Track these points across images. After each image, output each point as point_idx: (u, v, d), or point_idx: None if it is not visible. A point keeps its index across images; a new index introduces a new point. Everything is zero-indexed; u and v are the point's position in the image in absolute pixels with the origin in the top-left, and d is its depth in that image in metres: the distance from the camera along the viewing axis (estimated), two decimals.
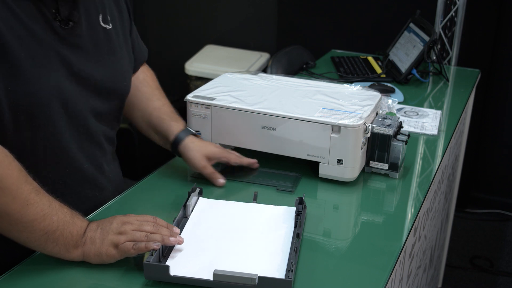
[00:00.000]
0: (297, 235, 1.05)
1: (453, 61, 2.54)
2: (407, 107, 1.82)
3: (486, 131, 3.01)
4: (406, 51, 2.14)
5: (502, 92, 2.93)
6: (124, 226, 0.98)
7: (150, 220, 1.00)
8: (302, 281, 0.97)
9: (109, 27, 1.16)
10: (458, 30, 2.50)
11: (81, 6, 1.09)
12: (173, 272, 0.94)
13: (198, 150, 1.28)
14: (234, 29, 3.40)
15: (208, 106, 1.35)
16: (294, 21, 3.25)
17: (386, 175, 1.36)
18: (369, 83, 1.98)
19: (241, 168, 1.35)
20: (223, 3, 3.39)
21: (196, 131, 1.35)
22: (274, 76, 1.53)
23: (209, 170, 1.28)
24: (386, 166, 1.34)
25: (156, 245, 0.95)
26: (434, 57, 2.24)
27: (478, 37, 2.83)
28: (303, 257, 1.04)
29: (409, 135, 1.35)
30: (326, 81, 1.56)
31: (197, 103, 1.36)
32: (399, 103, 1.84)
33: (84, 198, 1.16)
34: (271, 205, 1.19)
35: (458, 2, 2.46)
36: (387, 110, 1.50)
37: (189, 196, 1.16)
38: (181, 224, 1.11)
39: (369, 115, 1.30)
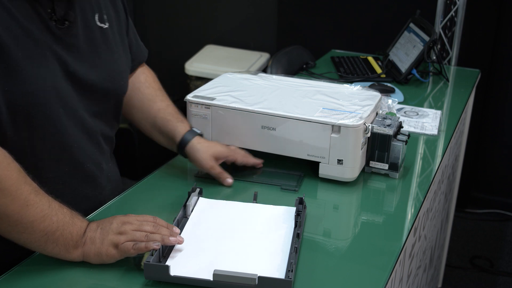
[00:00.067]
0: (297, 235, 1.05)
1: (453, 61, 2.54)
2: (407, 107, 1.81)
3: (486, 131, 3.01)
4: (406, 51, 2.14)
5: (502, 92, 2.93)
6: (124, 226, 0.98)
7: (150, 220, 1.00)
8: (302, 281, 0.97)
9: (106, 26, 1.16)
10: (458, 30, 2.50)
11: (77, 5, 1.09)
12: (173, 272, 0.94)
13: (206, 151, 1.28)
14: (234, 29, 3.40)
15: (208, 106, 1.35)
16: (294, 21, 3.25)
17: (386, 175, 1.36)
18: (369, 83, 1.98)
19: (243, 167, 1.35)
20: (223, 3, 3.39)
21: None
22: (274, 76, 1.53)
23: (217, 170, 1.28)
24: (386, 166, 1.34)
25: (156, 245, 0.95)
26: (434, 57, 2.24)
27: (478, 37, 2.83)
28: (303, 257, 1.04)
29: (409, 135, 1.35)
30: (326, 81, 1.56)
31: (197, 103, 1.36)
32: (399, 103, 1.84)
33: (83, 198, 1.16)
34: (271, 205, 1.19)
35: (458, 2, 2.46)
36: (387, 110, 1.50)
37: (189, 196, 1.16)
38: (181, 224, 1.11)
39: (369, 115, 1.30)
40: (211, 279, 0.93)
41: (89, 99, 1.12)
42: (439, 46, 2.34)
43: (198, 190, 1.21)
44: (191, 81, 3.12)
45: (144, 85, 1.35)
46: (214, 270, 0.93)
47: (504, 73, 2.89)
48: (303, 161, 1.32)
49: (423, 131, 1.64)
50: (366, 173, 1.36)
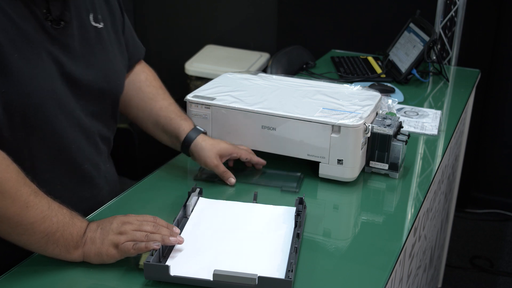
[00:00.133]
0: (297, 235, 1.05)
1: (453, 61, 2.54)
2: (407, 107, 1.81)
3: (486, 131, 3.01)
4: (406, 51, 2.14)
5: (502, 92, 2.93)
6: (124, 226, 0.98)
7: (150, 220, 1.00)
8: (302, 281, 0.97)
9: (100, 26, 1.16)
10: (458, 30, 2.50)
11: (72, 5, 1.09)
12: (173, 272, 0.94)
13: (211, 149, 1.28)
14: (234, 29, 3.40)
15: (208, 106, 1.35)
16: (294, 21, 3.25)
17: (386, 175, 1.36)
18: (369, 83, 1.98)
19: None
20: (223, 3, 3.39)
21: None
22: (274, 76, 1.53)
23: (221, 169, 1.28)
24: (386, 166, 1.34)
25: (156, 245, 0.95)
26: (434, 57, 2.24)
27: (478, 37, 2.83)
28: (303, 257, 1.04)
29: (409, 135, 1.35)
30: (326, 81, 1.56)
31: (197, 103, 1.36)
32: (399, 103, 1.84)
33: (81, 199, 1.16)
34: (271, 205, 1.19)
35: (458, 2, 2.46)
36: (387, 110, 1.50)
37: (189, 196, 1.16)
38: (181, 224, 1.11)
39: (369, 115, 1.30)
40: (211, 279, 0.93)
41: (85, 99, 1.12)
42: (439, 46, 2.34)
43: (198, 190, 1.21)
44: (191, 81, 3.12)
45: (145, 83, 1.35)
46: (214, 270, 0.93)
47: (504, 73, 2.89)
48: (303, 161, 1.32)
49: (423, 131, 1.64)
50: (366, 173, 1.36)
